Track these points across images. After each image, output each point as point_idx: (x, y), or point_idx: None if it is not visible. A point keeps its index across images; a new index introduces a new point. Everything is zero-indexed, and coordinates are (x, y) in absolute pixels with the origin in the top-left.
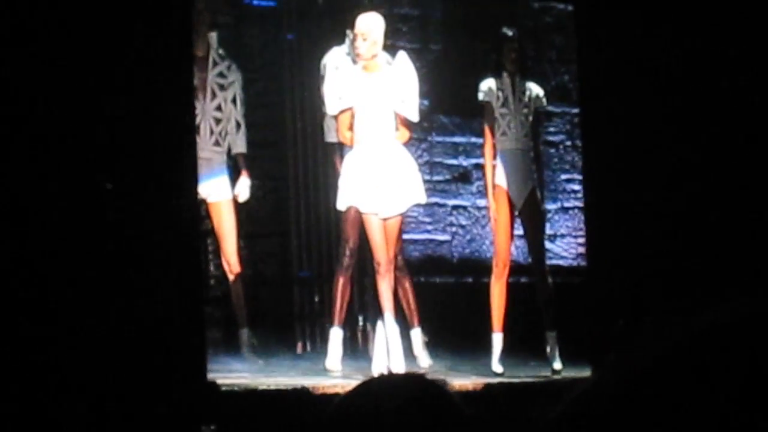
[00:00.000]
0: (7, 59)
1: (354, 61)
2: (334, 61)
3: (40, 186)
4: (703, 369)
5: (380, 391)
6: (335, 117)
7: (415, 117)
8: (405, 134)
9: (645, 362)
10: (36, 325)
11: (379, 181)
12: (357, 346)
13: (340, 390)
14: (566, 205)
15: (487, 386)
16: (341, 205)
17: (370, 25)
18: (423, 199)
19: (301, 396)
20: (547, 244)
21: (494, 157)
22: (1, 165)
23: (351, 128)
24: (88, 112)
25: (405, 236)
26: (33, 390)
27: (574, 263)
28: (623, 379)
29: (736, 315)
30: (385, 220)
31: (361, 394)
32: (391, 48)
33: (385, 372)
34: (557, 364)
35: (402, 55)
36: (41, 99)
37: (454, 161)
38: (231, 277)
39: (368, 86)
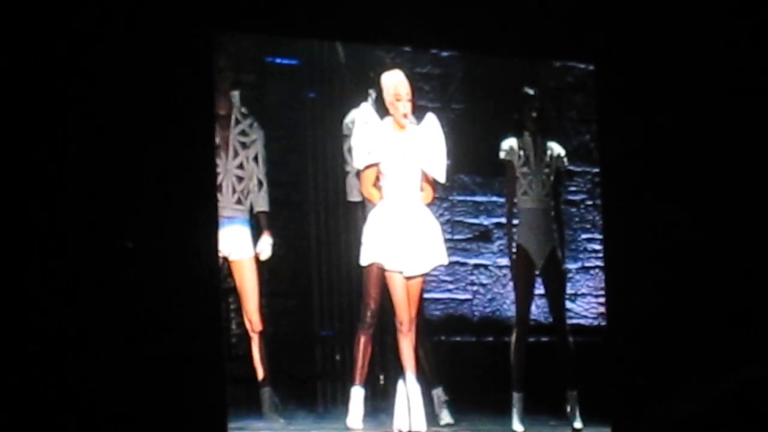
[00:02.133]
0: (34, 120)
1: (381, 119)
2: (363, 116)
3: (62, 245)
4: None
5: None
6: (361, 171)
7: (442, 178)
8: (430, 194)
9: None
10: (59, 386)
11: (404, 239)
12: (378, 405)
13: None
14: (587, 264)
15: None
16: (364, 261)
17: (408, 85)
18: (446, 260)
19: None
20: (568, 304)
21: (515, 217)
22: (26, 222)
23: (375, 185)
24: (111, 170)
25: (426, 295)
26: None
27: (595, 323)
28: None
29: None
30: (408, 279)
31: None
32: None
33: (406, 431)
34: (578, 424)
35: (431, 116)
36: (64, 157)
37: (475, 220)
38: (253, 335)
39: (397, 144)
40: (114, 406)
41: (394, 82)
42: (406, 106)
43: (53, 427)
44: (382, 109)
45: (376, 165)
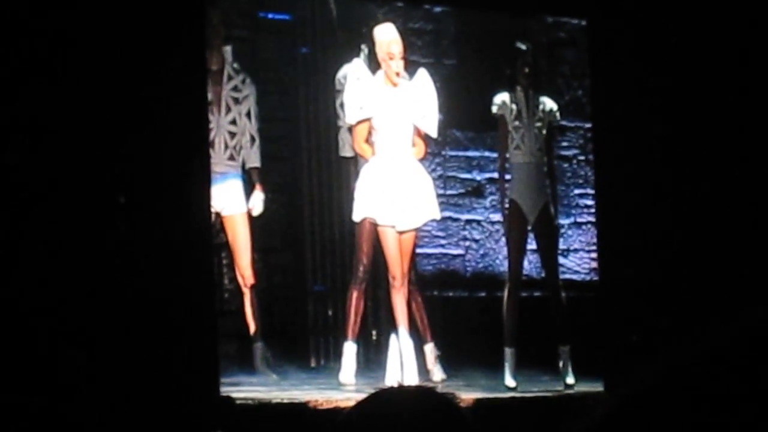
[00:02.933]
0: (23, 72)
1: (373, 74)
2: (356, 72)
3: (53, 199)
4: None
5: (391, 403)
6: (353, 127)
7: (434, 133)
8: (422, 149)
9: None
10: (49, 338)
11: (397, 194)
12: (371, 360)
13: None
14: (579, 220)
15: (500, 400)
16: (357, 216)
17: (401, 43)
18: (438, 215)
19: (316, 409)
20: (560, 259)
21: (507, 171)
22: (16, 178)
23: (367, 140)
24: (102, 125)
25: (419, 250)
26: (45, 404)
27: (587, 278)
28: (663, 378)
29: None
30: (401, 233)
31: (372, 404)
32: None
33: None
34: (570, 379)
35: (423, 71)
36: (56, 113)
37: (467, 175)
38: (245, 290)
39: (389, 99)
40: (104, 362)
41: (388, 39)
42: (399, 64)
43: (44, 381)
44: (374, 64)
45: (368, 120)
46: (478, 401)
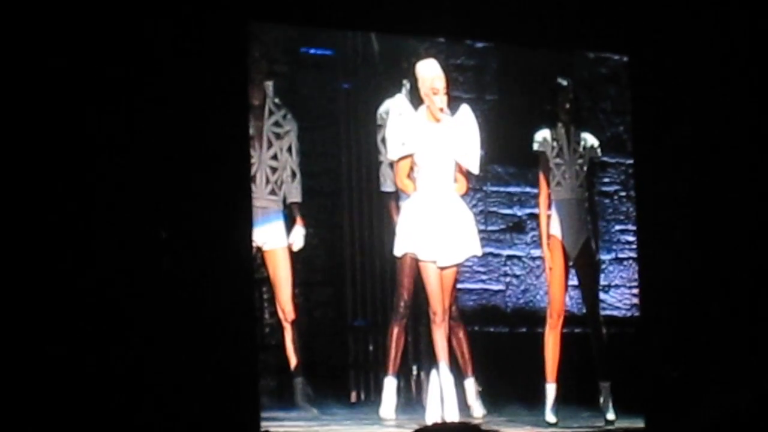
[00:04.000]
0: (70, 110)
1: (415, 109)
2: (398, 107)
3: (98, 234)
4: None
5: None
6: (395, 162)
7: (476, 170)
8: (463, 185)
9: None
10: (91, 372)
11: (438, 230)
12: (411, 395)
13: None
14: (620, 255)
15: None
16: (398, 251)
17: (444, 78)
18: (479, 251)
19: None
20: (601, 295)
21: (549, 207)
22: (63, 212)
23: (409, 176)
24: (146, 160)
25: (459, 286)
26: None
27: (628, 314)
28: None
29: None
30: (442, 269)
31: None
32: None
33: (439, 421)
34: (610, 415)
35: (466, 107)
36: (100, 147)
37: (508, 211)
38: (286, 325)
39: (431, 135)
40: (148, 396)
41: (431, 75)
42: (442, 100)
43: (90, 416)
44: (416, 99)
45: (410, 156)
46: None
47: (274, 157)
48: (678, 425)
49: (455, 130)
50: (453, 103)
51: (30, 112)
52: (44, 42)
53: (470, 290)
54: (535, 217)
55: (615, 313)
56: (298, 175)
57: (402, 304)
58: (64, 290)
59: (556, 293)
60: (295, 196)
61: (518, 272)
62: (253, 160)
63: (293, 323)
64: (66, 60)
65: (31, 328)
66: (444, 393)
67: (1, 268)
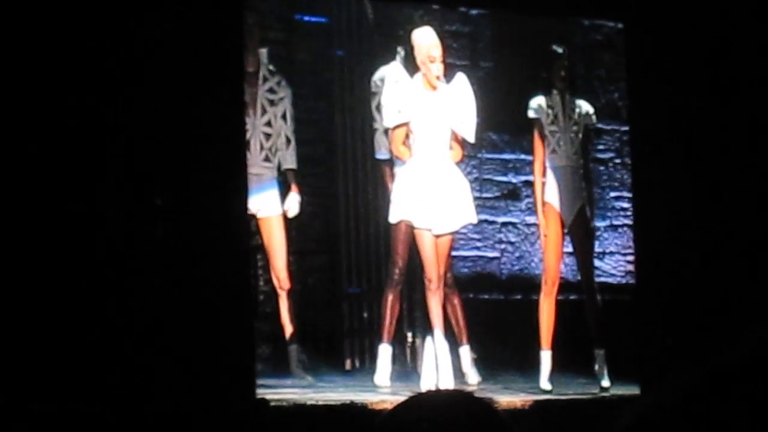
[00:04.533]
0: (65, 78)
1: (411, 77)
2: (394, 74)
3: (91, 201)
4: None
5: (427, 407)
6: (391, 130)
7: (472, 138)
8: (459, 153)
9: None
10: (86, 339)
11: (434, 197)
12: (406, 363)
13: (388, 406)
14: (615, 222)
15: (536, 403)
16: (393, 218)
17: (441, 46)
18: (475, 219)
19: (351, 411)
20: (596, 262)
21: (544, 174)
22: (53, 180)
23: (404, 143)
24: (138, 127)
25: (454, 253)
26: (83, 404)
27: (623, 281)
28: (680, 396)
29: None
30: (437, 236)
31: (409, 408)
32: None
33: (434, 388)
34: (605, 382)
35: (462, 76)
36: (92, 116)
37: (503, 178)
38: (280, 292)
39: (427, 103)
40: (142, 363)
41: (428, 43)
42: (439, 68)
43: (84, 384)
44: (412, 67)
45: (406, 124)
46: (513, 404)
47: (268, 124)
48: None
49: (451, 98)
50: (448, 71)
51: (23, 85)
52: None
53: (465, 257)
54: (529, 184)
55: (610, 280)
56: (293, 142)
57: (397, 271)
58: (58, 260)
59: (551, 260)
60: (290, 162)
61: (513, 239)
62: (246, 127)
63: (288, 291)
64: (58, 32)
65: (25, 294)
66: (439, 360)
67: None
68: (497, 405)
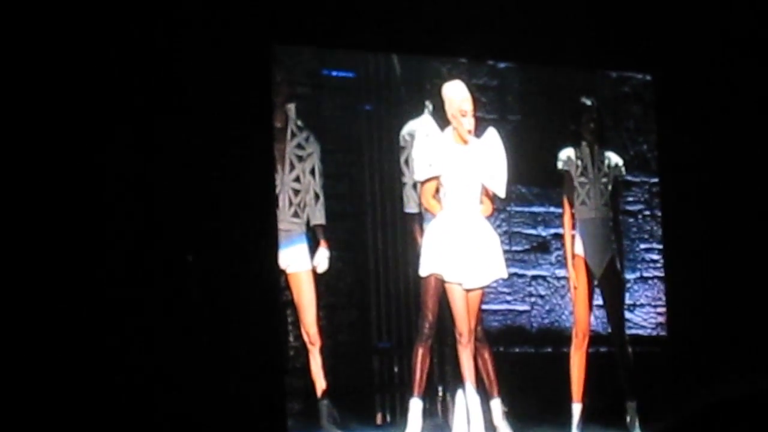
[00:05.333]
0: (95, 132)
1: (441, 131)
2: (425, 128)
3: (126, 259)
4: None
5: None
6: (421, 183)
7: (503, 193)
8: (489, 208)
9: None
10: (122, 403)
11: (464, 251)
12: (437, 417)
13: None
14: (645, 274)
15: None
16: (424, 271)
17: (472, 100)
18: (505, 274)
19: None
20: (627, 314)
21: (573, 227)
22: (91, 240)
23: (435, 197)
24: (169, 184)
25: (484, 306)
26: None
27: (654, 333)
28: None
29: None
30: (468, 291)
31: None
32: None
33: None
34: None
35: (492, 131)
36: (124, 175)
37: (533, 231)
38: (311, 347)
39: (458, 157)
40: (175, 420)
41: (460, 97)
42: (470, 122)
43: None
44: (441, 120)
45: (437, 177)
46: None
47: (297, 180)
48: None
49: (482, 153)
50: (477, 125)
51: (59, 141)
52: (73, 82)
53: (495, 311)
54: (559, 236)
55: (640, 332)
56: (321, 197)
57: (427, 325)
58: (97, 316)
59: (581, 313)
60: (319, 218)
61: (543, 292)
62: (275, 183)
63: (319, 346)
64: (93, 88)
65: (63, 352)
66: (470, 414)
67: (24, 295)
68: None
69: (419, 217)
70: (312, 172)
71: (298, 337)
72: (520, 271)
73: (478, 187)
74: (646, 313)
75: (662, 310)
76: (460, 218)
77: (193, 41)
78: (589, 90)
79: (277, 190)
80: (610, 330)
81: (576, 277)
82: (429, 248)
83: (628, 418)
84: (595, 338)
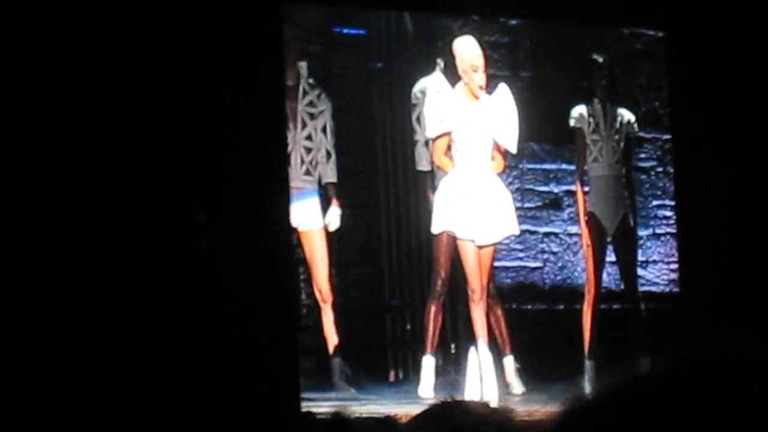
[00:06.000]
0: (103, 95)
1: (452, 87)
2: (436, 85)
3: (136, 218)
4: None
5: (448, 419)
6: (433, 140)
7: (514, 149)
8: (501, 164)
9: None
10: (130, 353)
11: (476, 208)
12: (450, 374)
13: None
14: (658, 231)
15: None
16: (436, 228)
17: (483, 56)
18: (517, 230)
19: (396, 423)
20: (640, 271)
21: (585, 184)
22: (98, 197)
23: (446, 154)
24: (180, 142)
25: (497, 263)
26: (122, 417)
27: (667, 289)
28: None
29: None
30: (480, 247)
31: (430, 417)
32: None
33: (478, 399)
34: None
35: (504, 86)
36: (133, 133)
37: (545, 188)
38: (323, 305)
39: (469, 113)
40: (187, 376)
41: (471, 53)
42: (482, 78)
43: (125, 397)
44: (453, 77)
45: (448, 134)
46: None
47: (309, 138)
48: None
49: (493, 109)
50: (489, 81)
51: (64, 95)
52: (82, 48)
53: (507, 268)
54: (571, 193)
55: (653, 288)
56: (333, 155)
57: (439, 282)
58: (104, 274)
59: (593, 269)
60: (331, 176)
61: (555, 249)
62: (287, 141)
63: (331, 304)
64: (104, 42)
65: (68, 313)
66: (483, 371)
67: (33, 256)
68: (515, 417)
69: (431, 175)
70: (324, 130)
71: (311, 294)
72: (533, 228)
73: (489, 142)
74: (659, 269)
75: (675, 266)
76: (472, 175)
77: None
78: (600, 47)
79: (289, 148)
80: (623, 287)
81: (588, 234)
82: (441, 205)
83: None
84: (608, 295)
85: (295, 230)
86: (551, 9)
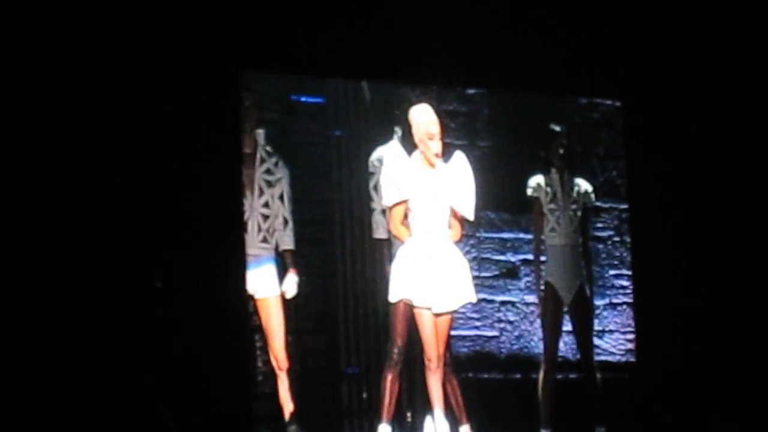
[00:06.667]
0: (65, 156)
1: (409, 155)
2: (392, 154)
3: (93, 284)
4: None
5: None
6: (390, 208)
7: (471, 216)
8: (458, 232)
9: None
10: (84, 419)
11: (433, 276)
12: None
13: None
14: (615, 301)
15: None
16: (393, 297)
17: (439, 124)
18: (474, 298)
19: None
20: (596, 340)
21: (542, 253)
22: (59, 265)
23: (403, 222)
24: (137, 209)
25: (453, 332)
26: None
27: (623, 359)
28: None
29: None
30: (437, 315)
31: None
32: None
33: None
34: None
35: (460, 154)
36: (91, 198)
37: (502, 257)
38: (279, 373)
39: (426, 181)
40: None
41: (426, 121)
42: (437, 145)
43: None
44: (409, 145)
45: (405, 202)
46: None
47: (266, 205)
48: None
49: (450, 177)
50: (446, 150)
51: (35, 159)
52: (41, 108)
53: (464, 336)
54: (528, 262)
55: (609, 358)
56: (290, 223)
57: (396, 350)
58: (63, 343)
59: (550, 339)
60: (288, 243)
61: (512, 318)
62: (244, 209)
63: (287, 371)
64: (61, 115)
65: (27, 378)
66: None
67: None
68: None
69: (388, 243)
70: (281, 197)
71: (267, 362)
72: (489, 297)
73: (446, 210)
74: (614, 339)
75: (631, 336)
76: (428, 243)
77: (163, 66)
78: (558, 116)
79: (246, 216)
80: (579, 356)
81: (545, 304)
82: (398, 274)
83: None
84: (564, 364)
85: (251, 297)
86: (509, 79)
